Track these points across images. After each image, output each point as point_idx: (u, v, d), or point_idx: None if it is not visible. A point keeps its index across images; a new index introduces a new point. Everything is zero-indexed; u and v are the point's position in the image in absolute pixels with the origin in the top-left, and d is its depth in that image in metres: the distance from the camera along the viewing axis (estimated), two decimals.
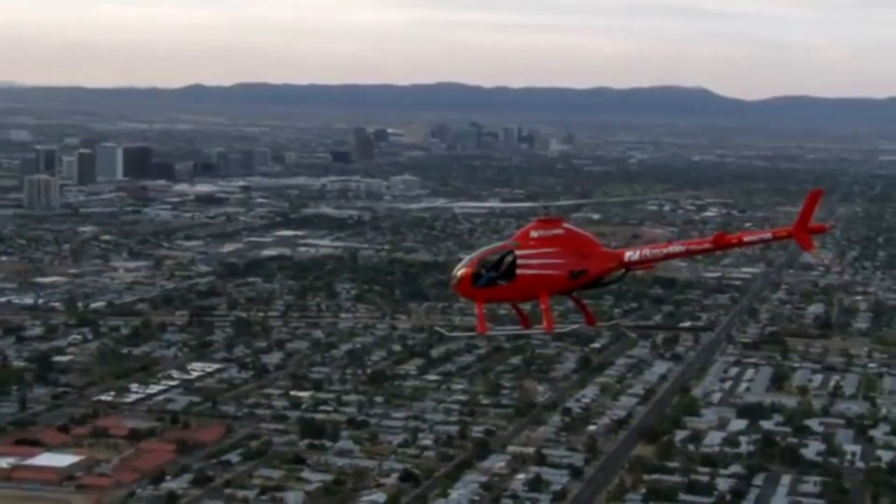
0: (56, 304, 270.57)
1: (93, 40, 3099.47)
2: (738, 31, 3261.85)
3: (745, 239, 48.72)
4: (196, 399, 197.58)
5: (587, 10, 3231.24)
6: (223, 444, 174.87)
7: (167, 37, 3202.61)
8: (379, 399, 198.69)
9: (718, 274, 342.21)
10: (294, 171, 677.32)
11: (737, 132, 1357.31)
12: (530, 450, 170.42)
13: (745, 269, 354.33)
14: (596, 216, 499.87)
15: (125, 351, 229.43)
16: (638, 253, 47.72)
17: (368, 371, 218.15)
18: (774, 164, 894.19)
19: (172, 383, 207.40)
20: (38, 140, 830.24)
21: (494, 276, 48.09)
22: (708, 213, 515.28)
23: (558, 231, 48.08)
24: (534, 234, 48.21)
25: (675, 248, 48.28)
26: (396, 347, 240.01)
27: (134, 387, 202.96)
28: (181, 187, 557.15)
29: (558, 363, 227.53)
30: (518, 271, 47.52)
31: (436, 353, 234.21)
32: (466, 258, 49.57)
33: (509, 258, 47.96)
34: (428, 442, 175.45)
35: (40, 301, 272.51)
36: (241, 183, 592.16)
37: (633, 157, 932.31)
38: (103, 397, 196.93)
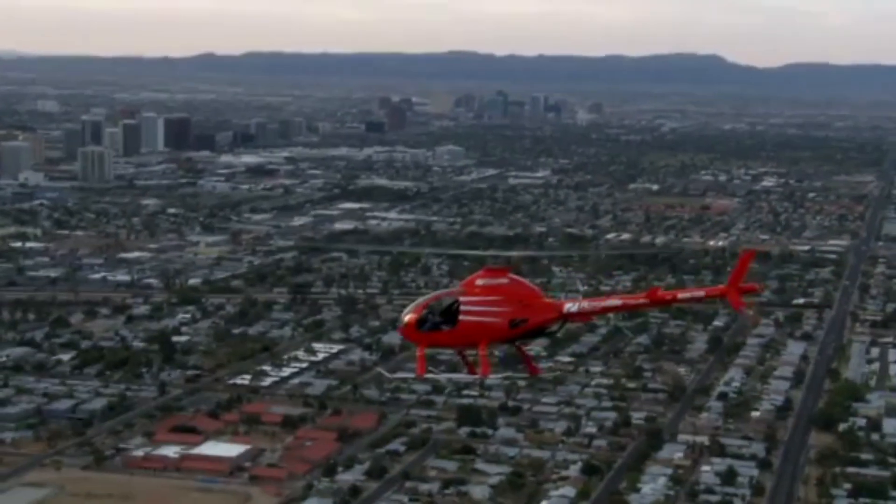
0: (151, 281, 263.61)
1: (98, 8, 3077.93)
2: None
3: (679, 296, 49.34)
4: (333, 382, 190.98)
5: None
6: (380, 431, 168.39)
7: (175, 5, 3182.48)
8: (521, 383, 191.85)
9: (808, 247, 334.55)
10: (332, 142, 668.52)
11: (755, 100, 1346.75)
12: (703, 438, 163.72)
13: (832, 242, 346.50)
14: (655, 187, 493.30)
15: (239, 331, 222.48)
16: (577, 305, 48.33)
17: (497, 353, 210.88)
18: (807, 131, 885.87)
19: (302, 365, 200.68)
20: (66, 111, 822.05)
21: (438, 322, 48.76)
22: (766, 184, 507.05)
23: (503, 280, 49.00)
24: (479, 282, 49.02)
25: (613, 302, 49.20)
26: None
27: (267, 369, 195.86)
28: (226, 158, 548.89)
29: (688, 343, 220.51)
30: (461, 317, 48.24)
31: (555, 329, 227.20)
32: (414, 303, 50.07)
33: (454, 304, 48.46)
34: (591, 430, 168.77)
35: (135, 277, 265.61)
36: (285, 154, 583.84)
37: (663, 125, 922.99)
38: (237, 381, 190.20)
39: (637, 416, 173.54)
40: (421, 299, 50.91)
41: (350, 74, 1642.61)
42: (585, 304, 48.95)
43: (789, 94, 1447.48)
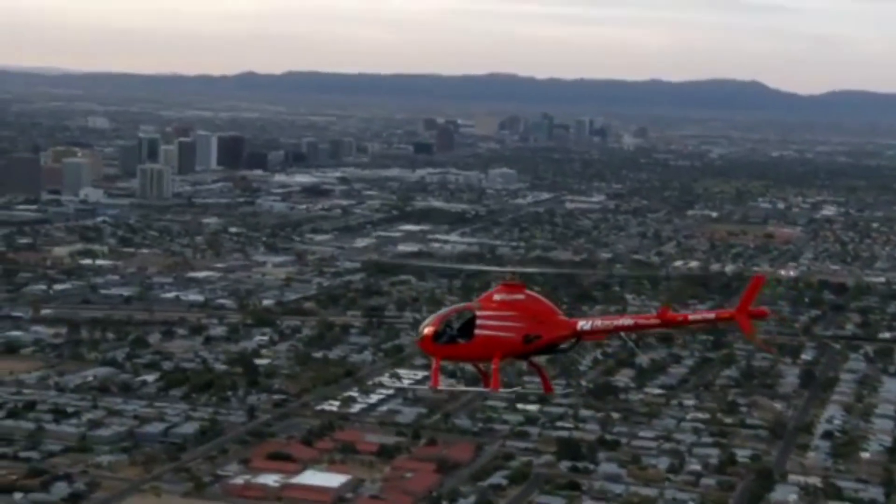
0: (224, 301, 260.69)
1: (140, 27, 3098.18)
2: (784, 24, 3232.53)
3: (690, 318, 50.02)
4: (422, 410, 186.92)
5: (631, 3, 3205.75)
6: (478, 463, 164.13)
7: (216, 25, 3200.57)
8: (615, 415, 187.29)
9: (883, 279, 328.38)
10: (382, 163, 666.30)
11: (797, 126, 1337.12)
12: (814, 480, 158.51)
13: None
14: (714, 213, 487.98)
15: (319, 354, 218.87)
16: (590, 324, 49.37)
17: (585, 383, 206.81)
18: (858, 160, 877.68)
19: (388, 392, 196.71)
20: (115, 128, 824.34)
21: (454, 335, 49.67)
22: (826, 212, 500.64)
23: (519, 296, 49.79)
24: (496, 297, 49.89)
25: (625, 321, 49.50)
26: (597, 356, 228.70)
27: (355, 395, 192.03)
28: (280, 178, 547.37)
29: (779, 378, 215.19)
30: (476, 331, 49.12)
31: (640, 362, 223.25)
32: (431, 316, 51.02)
33: (470, 318, 49.59)
34: (696, 467, 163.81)
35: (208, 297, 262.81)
36: (337, 174, 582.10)
37: (710, 151, 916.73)
38: (325, 407, 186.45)
39: (742, 454, 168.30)
40: (439, 312, 51.60)
41: (389, 95, 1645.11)
42: (598, 323, 49.68)
43: (831, 121, 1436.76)
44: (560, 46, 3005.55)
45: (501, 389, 50.54)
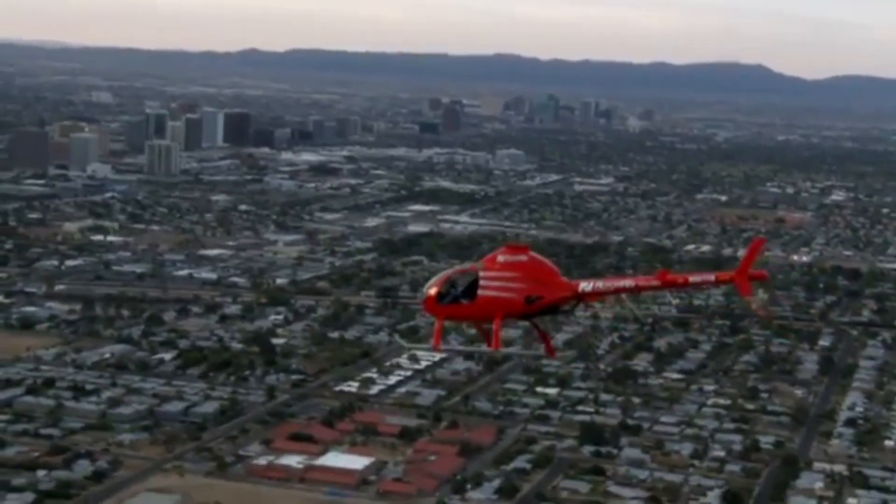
0: (237, 280, 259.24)
1: (142, 2, 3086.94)
2: (789, 8, 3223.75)
3: (690, 280, 50.14)
4: (441, 392, 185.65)
5: None
6: (500, 447, 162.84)
7: (216, 1, 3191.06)
8: (636, 400, 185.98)
9: (894, 265, 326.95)
10: (388, 142, 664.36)
11: (802, 111, 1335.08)
12: (840, 468, 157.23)
13: None
14: (723, 197, 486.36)
15: (335, 335, 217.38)
16: (591, 285, 49.84)
17: (604, 367, 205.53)
18: (864, 145, 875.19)
19: (406, 373, 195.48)
20: (119, 103, 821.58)
21: (457, 295, 50.27)
22: (836, 198, 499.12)
23: (522, 258, 50.24)
24: (500, 258, 50.30)
25: (626, 282, 50.21)
26: (614, 339, 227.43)
27: (374, 377, 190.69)
28: (287, 156, 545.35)
29: (798, 364, 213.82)
30: (479, 292, 49.62)
31: (658, 345, 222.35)
32: (435, 277, 51.59)
33: (473, 279, 50.13)
34: (720, 453, 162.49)
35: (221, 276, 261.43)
36: (344, 153, 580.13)
37: (716, 134, 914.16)
38: (344, 388, 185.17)
39: (765, 441, 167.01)
40: (442, 274, 52.00)
41: (393, 74, 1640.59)
42: (600, 284, 50.13)
43: (836, 106, 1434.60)
44: (565, 28, 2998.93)
45: (502, 348, 50.97)
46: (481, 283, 49.65)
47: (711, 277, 49.92)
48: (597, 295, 50.71)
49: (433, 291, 50.45)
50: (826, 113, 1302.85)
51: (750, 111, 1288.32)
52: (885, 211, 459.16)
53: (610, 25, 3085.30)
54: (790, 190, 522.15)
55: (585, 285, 49.84)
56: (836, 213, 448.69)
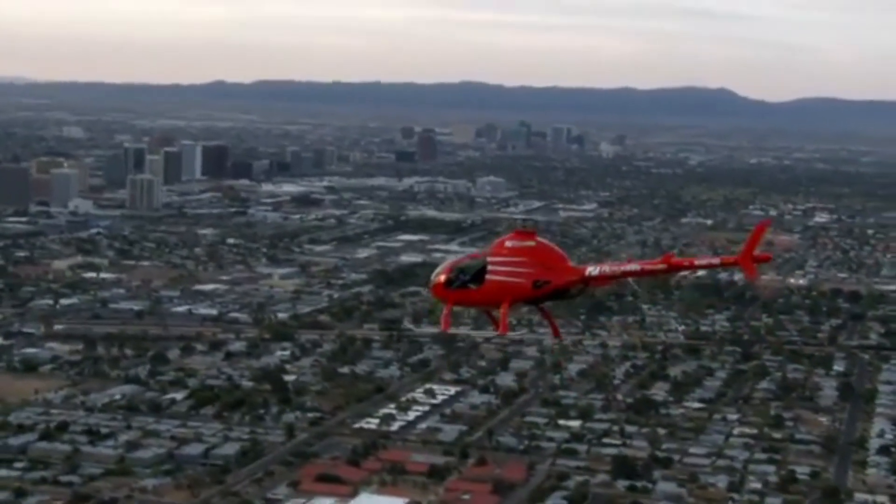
0: (238, 315, 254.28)
1: (106, 36, 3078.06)
2: (752, 33, 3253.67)
3: (696, 263, 51.58)
4: (463, 428, 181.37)
5: (600, 11, 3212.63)
6: (532, 483, 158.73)
7: (183, 32, 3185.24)
8: (661, 431, 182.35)
9: (893, 287, 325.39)
10: (366, 171, 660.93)
11: (769, 133, 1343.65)
12: (883, 499, 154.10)
13: None
14: (708, 221, 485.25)
15: (345, 370, 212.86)
16: (598, 269, 50.59)
17: (622, 398, 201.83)
18: (836, 167, 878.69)
19: (424, 409, 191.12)
20: (91, 137, 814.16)
21: (465, 281, 50.95)
22: (819, 220, 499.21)
23: (530, 243, 51.00)
24: (508, 243, 51.19)
25: (632, 266, 50.67)
26: (625, 368, 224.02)
27: (393, 413, 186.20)
28: (268, 187, 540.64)
29: (818, 390, 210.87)
30: (487, 277, 50.38)
31: (673, 373, 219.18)
32: (444, 263, 52.79)
33: (482, 265, 50.91)
34: (756, 485, 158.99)
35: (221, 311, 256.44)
36: (324, 183, 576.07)
37: (689, 158, 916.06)
38: (364, 425, 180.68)
39: (800, 472, 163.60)
40: (450, 260, 53.31)
41: (362, 103, 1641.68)
42: (606, 269, 50.59)
43: (802, 128, 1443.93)
44: (530, 55, 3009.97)
45: (509, 332, 51.60)
46: (489, 268, 50.29)
47: (717, 261, 51.78)
48: (603, 279, 51.13)
49: (442, 278, 51.27)
50: (793, 135, 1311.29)
51: (718, 135, 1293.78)
52: (870, 232, 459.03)
53: (575, 52, 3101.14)
54: (773, 212, 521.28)
55: (592, 269, 50.46)
56: (823, 235, 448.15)
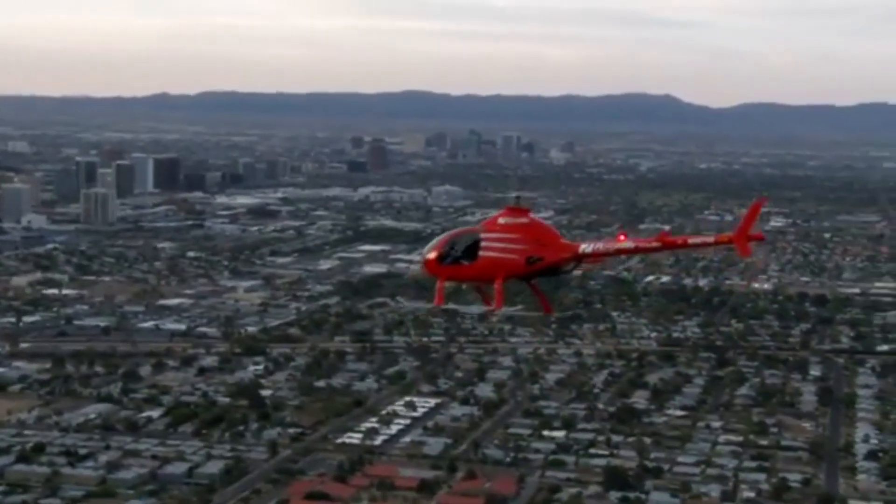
0: (206, 330, 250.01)
1: (42, 48, 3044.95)
2: (692, 39, 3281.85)
3: (690, 241, 51.36)
4: (447, 441, 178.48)
5: (542, 19, 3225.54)
6: (524, 497, 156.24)
7: (123, 44, 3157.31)
8: (646, 440, 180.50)
9: (857, 290, 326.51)
10: (319, 182, 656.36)
11: (714, 139, 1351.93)
12: None
13: (879, 285, 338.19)
14: (666, 227, 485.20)
15: (321, 384, 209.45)
16: (591, 246, 50.59)
17: (603, 406, 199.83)
18: (784, 171, 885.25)
19: (405, 422, 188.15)
20: (37, 152, 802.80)
21: (458, 257, 50.41)
22: (775, 224, 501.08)
23: (523, 220, 50.59)
24: (501, 220, 50.79)
25: (626, 244, 50.06)
26: (603, 376, 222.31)
27: (376, 426, 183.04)
28: (222, 199, 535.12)
29: (798, 395, 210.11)
30: (480, 253, 49.89)
31: (651, 380, 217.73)
32: (436, 239, 51.96)
33: (474, 241, 50.27)
34: (750, 494, 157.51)
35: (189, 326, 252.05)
36: (278, 194, 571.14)
37: (639, 164, 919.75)
38: (346, 440, 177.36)
39: (792, 479, 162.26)
40: (443, 235, 52.42)
41: (307, 113, 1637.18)
42: (600, 246, 50.43)
43: (745, 133, 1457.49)
44: (474, 63, 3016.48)
45: (503, 307, 51.15)
46: (483, 244, 50.48)
47: (711, 239, 51.76)
48: (597, 256, 52.02)
49: (434, 254, 51.47)
50: (737, 140, 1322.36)
51: (664, 141, 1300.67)
52: (826, 236, 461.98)
53: (520, 60, 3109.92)
54: (729, 217, 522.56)
55: (586, 247, 51.34)
56: (781, 239, 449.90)
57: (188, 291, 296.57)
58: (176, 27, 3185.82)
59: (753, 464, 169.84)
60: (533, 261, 50.43)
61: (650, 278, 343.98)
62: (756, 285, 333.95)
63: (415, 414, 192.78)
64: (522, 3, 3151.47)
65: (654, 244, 50.43)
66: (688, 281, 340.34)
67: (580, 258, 51.50)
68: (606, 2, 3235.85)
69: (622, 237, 52.93)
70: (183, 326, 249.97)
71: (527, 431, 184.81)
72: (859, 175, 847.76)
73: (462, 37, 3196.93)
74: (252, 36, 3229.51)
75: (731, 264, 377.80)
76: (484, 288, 52.74)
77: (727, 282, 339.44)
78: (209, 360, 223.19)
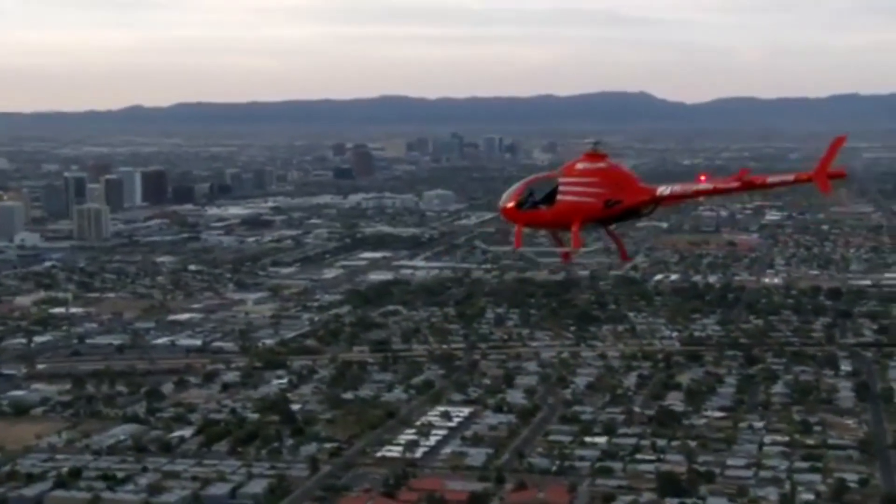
0: (223, 344, 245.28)
1: (10, 64, 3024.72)
2: (665, 36, 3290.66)
3: (769, 180, 51.17)
4: (489, 451, 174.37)
5: (514, 21, 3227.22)
6: None
7: (94, 58, 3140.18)
8: (691, 443, 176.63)
9: (868, 282, 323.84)
10: (307, 190, 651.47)
11: (693, 135, 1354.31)
12: None
13: (889, 276, 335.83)
14: (664, 224, 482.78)
15: (349, 396, 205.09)
16: (669, 189, 50.33)
17: (640, 410, 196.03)
18: (768, 164, 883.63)
19: (443, 433, 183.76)
20: (17, 168, 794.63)
21: (536, 202, 51.01)
22: (772, 217, 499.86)
23: (601, 164, 51.76)
24: (579, 165, 51.76)
25: (704, 185, 50.29)
26: (633, 379, 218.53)
27: (415, 439, 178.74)
28: (214, 211, 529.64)
29: (835, 392, 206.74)
30: (558, 197, 50.56)
31: (682, 381, 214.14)
32: (514, 186, 52.17)
33: (553, 186, 50.91)
34: (809, 496, 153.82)
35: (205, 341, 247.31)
36: (269, 204, 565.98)
37: (623, 162, 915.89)
38: (386, 453, 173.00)
39: (848, 479, 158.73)
40: (519, 183, 52.86)
41: (283, 122, 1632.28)
42: (678, 188, 50.50)
43: (723, 128, 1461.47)
44: (448, 66, 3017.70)
45: (582, 248, 51.88)
46: (561, 188, 51.24)
47: (790, 178, 51.36)
48: (674, 198, 51.83)
49: (511, 203, 51.93)
50: (715, 135, 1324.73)
51: (642, 138, 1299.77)
52: (825, 228, 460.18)
53: (494, 61, 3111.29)
54: (724, 213, 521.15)
55: (663, 189, 51.30)
56: (781, 233, 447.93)
57: (196, 306, 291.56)
58: (147, 40, 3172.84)
59: (805, 464, 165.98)
60: (611, 204, 50.73)
61: (659, 277, 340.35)
62: (766, 280, 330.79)
63: (450, 424, 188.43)
64: (495, 4, 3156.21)
65: (734, 184, 50.35)
66: (697, 278, 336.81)
67: (658, 201, 51.31)
68: (579, 1, 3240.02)
69: (703, 178, 52.60)
70: (198, 342, 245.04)
71: (567, 438, 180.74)
72: (841, 165, 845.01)
73: (436, 40, 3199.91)
74: (223, 47, 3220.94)
75: (736, 259, 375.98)
76: (560, 234, 52.91)
77: (736, 277, 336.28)
78: (231, 376, 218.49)
